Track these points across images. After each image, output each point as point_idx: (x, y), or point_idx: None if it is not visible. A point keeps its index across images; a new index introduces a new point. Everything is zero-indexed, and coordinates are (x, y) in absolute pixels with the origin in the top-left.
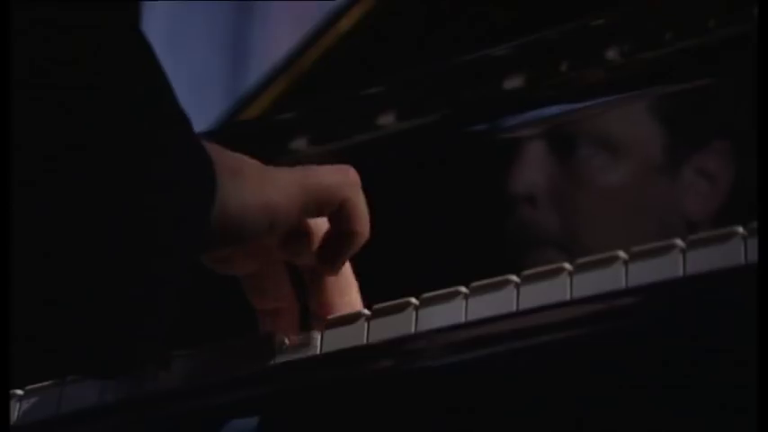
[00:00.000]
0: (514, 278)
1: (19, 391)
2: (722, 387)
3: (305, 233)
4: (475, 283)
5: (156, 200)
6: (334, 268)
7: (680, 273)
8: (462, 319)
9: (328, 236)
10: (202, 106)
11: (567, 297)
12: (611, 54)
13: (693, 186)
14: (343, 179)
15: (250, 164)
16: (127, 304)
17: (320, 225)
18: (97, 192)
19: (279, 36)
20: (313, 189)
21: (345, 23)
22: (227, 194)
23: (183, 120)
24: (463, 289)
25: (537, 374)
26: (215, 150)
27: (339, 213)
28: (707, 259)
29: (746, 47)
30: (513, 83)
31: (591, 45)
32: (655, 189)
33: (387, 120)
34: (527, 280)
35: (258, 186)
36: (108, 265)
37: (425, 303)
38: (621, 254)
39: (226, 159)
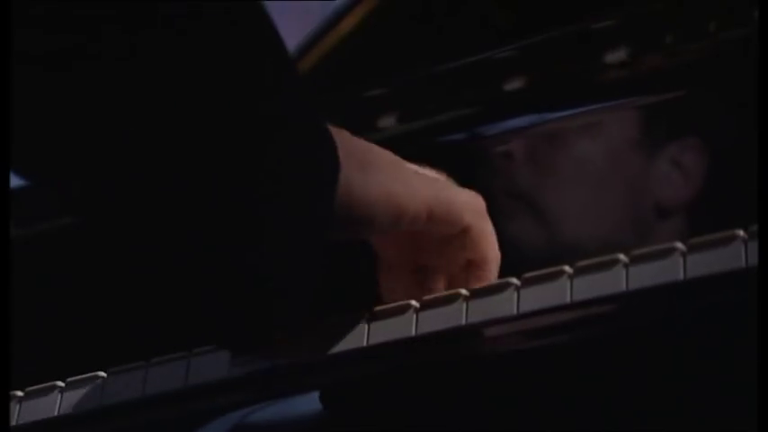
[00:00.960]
0: (514, 281)
1: (19, 393)
2: (723, 390)
3: (431, 242)
4: (475, 287)
5: (281, 187)
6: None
7: (680, 276)
8: (463, 322)
9: (460, 263)
10: None
11: (568, 300)
12: (609, 58)
13: (667, 176)
14: (473, 204)
15: (383, 156)
16: (257, 287)
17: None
18: (224, 178)
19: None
20: (444, 202)
21: (346, 25)
22: (351, 185)
23: (309, 105)
24: (464, 291)
25: (537, 377)
26: (345, 139)
27: (464, 239)
28: (708, 262)
29: (732, 51)
30: (514, 85)
31: (589, 48)
32: (629, 173)
33: (388, 122)
34: (527, 283)
35: (389, 181)
36: (232, 253)
37: (426, 306)
38: (622, 257)
39: (355, 149)
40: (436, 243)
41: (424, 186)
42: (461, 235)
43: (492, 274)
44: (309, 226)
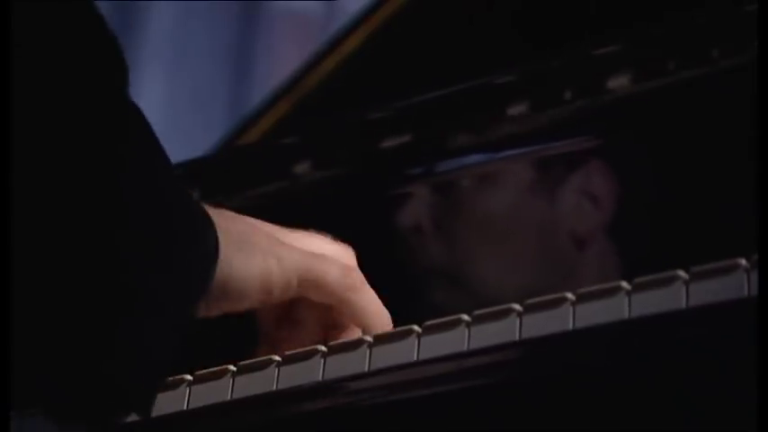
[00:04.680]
0: (517, 307)
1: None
2: (723, 420)
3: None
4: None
5: (157, 266)
6: None
7: (683, 305)
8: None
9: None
10: (205, 121)
11: (569, 327)
12: (612, 84)
13: (577, 207)
14: (346, 279)
15: (260, 233)
16: (120, 357)
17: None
18: (98, 256)
19: (282, 51)
20: (314, 279)
21: (349, 46)
22: (230, 266)
23: (183, 191)
24: (466, 317)
25: (535, 406)
26: (224, 218)
27: (344, 310)
28: (709, 291)
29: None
30: (516, 110)
31: (592, 74)
32: (538, 215)
33: (390, 144)
34: (529, 309)
35: (263, 260)
36: (105, 322)
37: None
38: (624, 284)
39: (235, 228)
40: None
41: (295, 264)
42: (337, 308)
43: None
44: (184, 303)
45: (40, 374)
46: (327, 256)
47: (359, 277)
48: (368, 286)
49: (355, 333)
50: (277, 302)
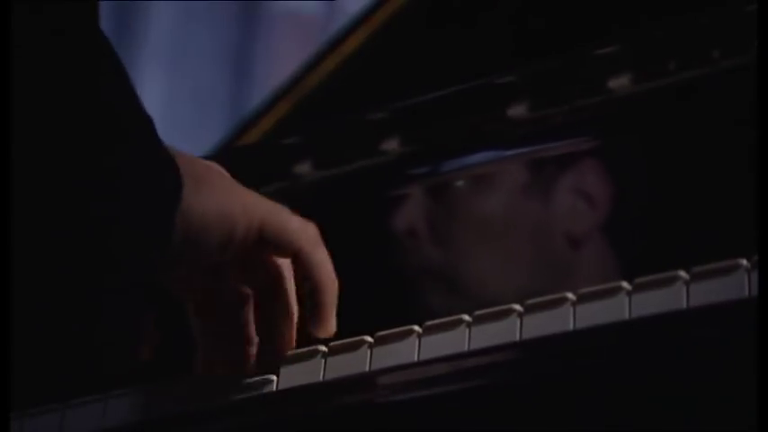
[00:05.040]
0: (517, 307)
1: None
2: (724, 419)
3: (260, 264)
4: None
5: (121, 205)
6: (319, 328)
7: (683, 305)
8: (466, 348)
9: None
10: (205, 121)
11: (570, 328)
12: (612, 84)
13: (572, 207)
14: (306, 230)
15: (218, 174)
16: (93, 307)
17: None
18: (61, 196)
19: (282, 51)
20: (275, 224)
21: (349, 46)
22: (190, 202)
23: (147, 125)
24: (467, 317)
25: (536, 406)
26: (182, 157)
27: (298, 265)
28: (710, 291)
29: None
30: (516, 111)
31: (593, 75)
32: (533, 214)
33: (390, 145)
34: (530, 310)
35: (223, 198)
36: (72, 271)
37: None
38: (625, 285)
39: (192, 167)
40: (268, 267)
41: (257, 205)
42: (294, 260)
43: (328, 301)
44: (149, 245)
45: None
46: (286, 209)
47: (316, 233)
48: (322, 243)
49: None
50: (237, 249)
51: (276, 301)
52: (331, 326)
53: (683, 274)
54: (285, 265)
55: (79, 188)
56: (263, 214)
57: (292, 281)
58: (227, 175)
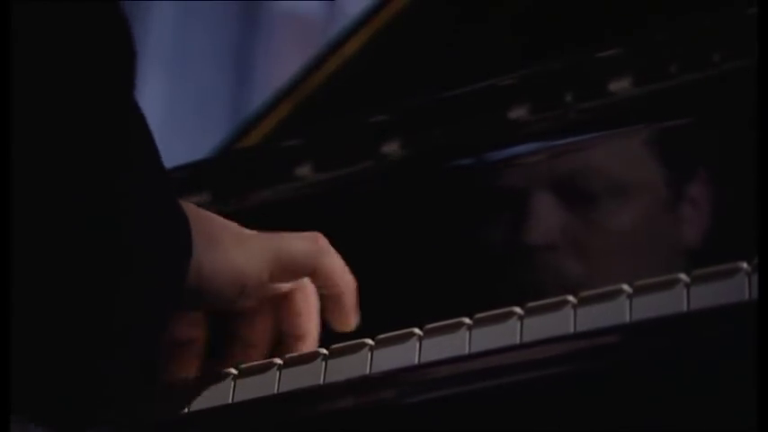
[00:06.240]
0: (518, 310)
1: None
2: (724, 422)
3: (281, 299)
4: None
5: (134, 261)
6: (343, 327)
7: (684, 308)
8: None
9: (322, 299)
10: (206, 123)
11: (571, 331)
12: (613, 87)
13: (686, 216)
14: (312, 247)
15: (226, 229)
16: (100, 356)
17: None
18: (76, 249)
19: (283, 53)
20: (284, 258)
21: (350, 48)
22: (201, 261)
23: (163, 182)
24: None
25: (537, 409)
26: (193, 214)
27: (316, 279)
28: (711, 295)
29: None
30: (518, 113)
31: (594, 77)
32: (659, 225)
33: (391, 148)
34: (530, 312)
35: (231, 254)
36: (85, 320)
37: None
38: (625, 287)
39: (203, 225)
40: (296, 300)
41: (262, 250)
42: (313, 278)
43: (349, 304)
44: (159, 301)
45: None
46: (289, 233)
47: (324, 242)
48: (333, 249)
49: (307, 342)
50: (253, 299)
51: (300, 330)
52: (354, 324)
53: (683, 276)
54: (302, 289)
55: (93, 240)
56: (268, 258)
57: (315, 301)
58: (230, 225)
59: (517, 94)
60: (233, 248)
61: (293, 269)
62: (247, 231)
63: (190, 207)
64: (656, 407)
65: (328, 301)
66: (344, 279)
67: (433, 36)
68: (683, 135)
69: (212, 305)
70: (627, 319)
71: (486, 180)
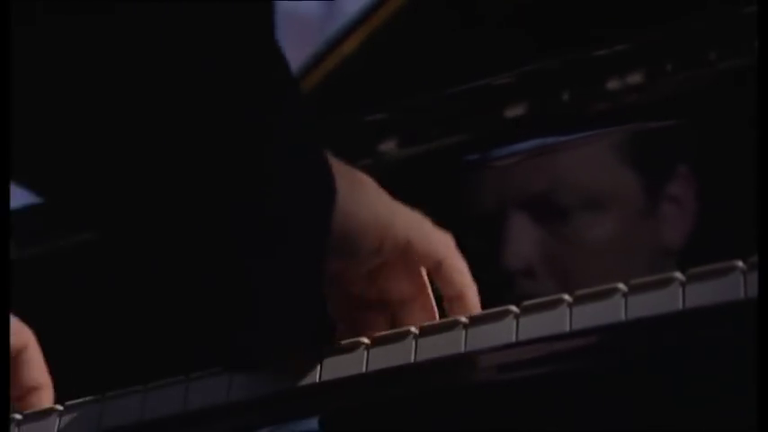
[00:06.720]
0: (514, 308)
1: (18, 416)
2: (721, 420)
3: (404, 275)
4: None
5: (280, 201)
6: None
7: (679, 306)
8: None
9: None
10: None
11: (567, 329)
12: (611, 85)
13: (667, 216)
14: (447, 239)
15: (371, 183)
16: (250, 303)
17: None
18: (220, 194)
19: None
20: (422, 234)
21: (348, 47)
22: (345, 203)
23: (308, 122)
24: (463, 319)
25: (533, 407)
26: (338, 163)
27: (438, 273)
28: (706, 293)
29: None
30: (515, 111)
31: (591, 76)
32: (639, 230)
33: (388, 146)
34: (526, 311)
35: (377, 205)
36: (231, 268)
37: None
38: (620, 286)
39: (348, 173)
40: (410, 276)
41: (405, 215)
42: (435, 269)
43: (472, 308)
44: (310, 241)
45: (204, 336)
46: (428, 222)
47: (455, 245)
48: (461, 255)
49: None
50: (388, 256)
51: (418, 311)
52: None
53: (678, 275)
54: (422, 278)
55: (238, 187)
56: (411, 224)
57: (430, 292)
58: (372, 180)
59: (514, 93)
60: (379, 201)
61: (425, 251)
62: (391, 198)
63: (336, 159)
64: (651, 405)
65: (450, 302)
66: (469, 281)
67: (430, 35)
68: (678, 133)
69: (351, 254)
70: (622, 317)
71: (485, 178)
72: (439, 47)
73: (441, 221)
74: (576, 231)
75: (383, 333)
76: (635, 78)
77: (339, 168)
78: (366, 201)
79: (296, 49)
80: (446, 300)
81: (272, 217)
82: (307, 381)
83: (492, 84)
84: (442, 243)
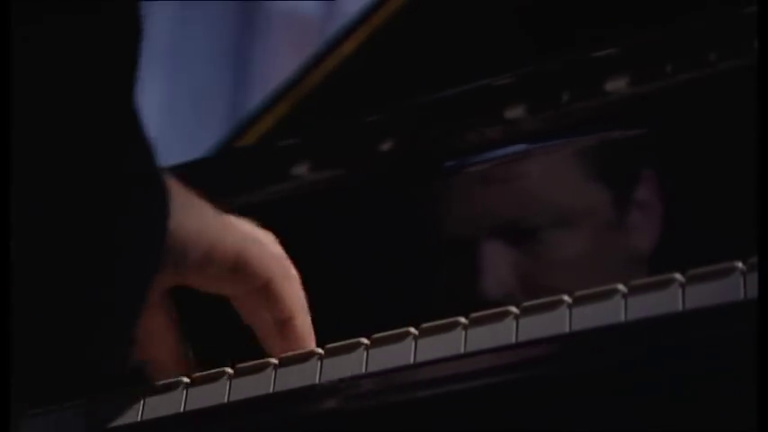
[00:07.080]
0: (514, 309)
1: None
2: (721, 422)
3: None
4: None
5: (120, 216)
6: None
7: (679, 307)
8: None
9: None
10: (204, 121)
11: (566, 330)
12: (610, 86)
13: (636, 222)
14: (279, 260)
15: (199, 199)
16: (85, 319)
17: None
18: (58, 209)
19: (280, 53)
20: (257, 252)
21: (348, 47)
22: (177, 218)
23: (148, 147)
24: (463, 320)
25: (532, 408)
26: (174, 184)
27: (266, 294)
28: (706, 294)
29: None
30: (514, 113)
31: (591, 77)
32: (609, 240)
33: (388, 147)
34: (526, 312)
35: (203, 219)
36: (67, 285)
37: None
38: (620, 287)
39: (181, 192)
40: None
41: (241, 234)
42: (263, 290)
43: (302, 328)
44: (139, 263)
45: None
46: (263, 242)
47: (290, 265)
48: (296, 275)
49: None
50: (215, 271)
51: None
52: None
53: (678, 276)
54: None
55: (83, 200)
56: (244, 242)
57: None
58: (204, 201)
59: (513, 94)
60: (205, 216)
61: (252, 271)
62: (230, 217)
63: (174, 181)
64: (651, 406)
65: (280, 326)
66: (303, 306)
67: (430, 36)
68: (677, 134)
69: (175, 268)
70: (622, 318)
71: (484, 180)
72: (439, 47)
73: (441, 222)
74: (549, 248)
75: (383, 333)
76: (635, 78)
77: (174, 189)
78: (195, 214)
79: (296, 49)
80: (275, 323)
81: (108, 227)
82: (306, 381)
83: (491, 85)
84: (274, 264)
